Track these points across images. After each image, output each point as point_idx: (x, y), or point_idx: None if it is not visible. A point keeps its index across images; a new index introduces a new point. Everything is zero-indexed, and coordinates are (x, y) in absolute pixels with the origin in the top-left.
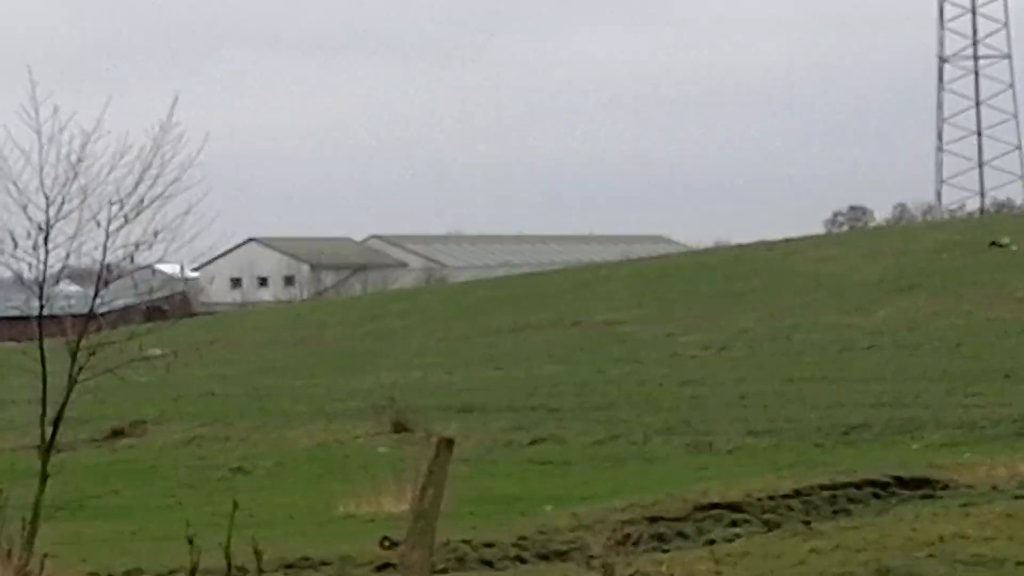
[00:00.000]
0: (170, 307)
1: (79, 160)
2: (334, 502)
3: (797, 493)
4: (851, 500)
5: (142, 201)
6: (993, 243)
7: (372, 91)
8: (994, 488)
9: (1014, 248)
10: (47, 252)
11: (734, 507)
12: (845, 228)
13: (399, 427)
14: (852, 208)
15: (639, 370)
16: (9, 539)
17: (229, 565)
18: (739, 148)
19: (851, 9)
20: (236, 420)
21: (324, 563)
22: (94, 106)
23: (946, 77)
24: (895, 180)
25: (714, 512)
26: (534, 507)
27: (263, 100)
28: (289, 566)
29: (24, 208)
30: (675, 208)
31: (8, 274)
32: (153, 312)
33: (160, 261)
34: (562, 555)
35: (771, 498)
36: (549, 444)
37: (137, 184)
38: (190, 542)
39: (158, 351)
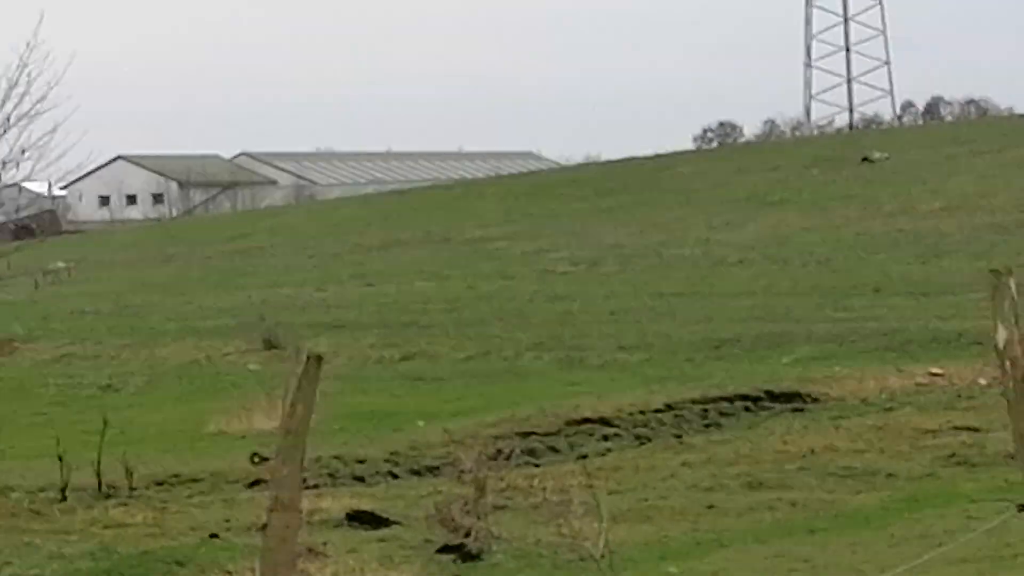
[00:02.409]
0: (38, 225)
1: None
2: (205, 419)
3: (668, 407)
4: (722, 414)
5: (8, 119)
6: (865, 159)
7: (243, 7)
8: (864, 401)
9: (887, 156)
10: None
11: (605, 421)
12: (715, 144)
13: (269, 344)
14: (721, 124)
15: (510, 286)
16: None
17: (100, 482)
18: (608, 63)
19: None
20: (106, 338)
21: (195, 479)
22: None
23: None
24: (764, 96)
25: (586, 427)
26: (406, 423)
27: (132, 18)
28: (160, 483)
29: None
30: (544, 124)
31: None
32: (21, 230)
33: (27, 179)
34: (434, 470)
35: (642, 412)
36: (420, 360)
37: (3, 102)
38: (60, 459)
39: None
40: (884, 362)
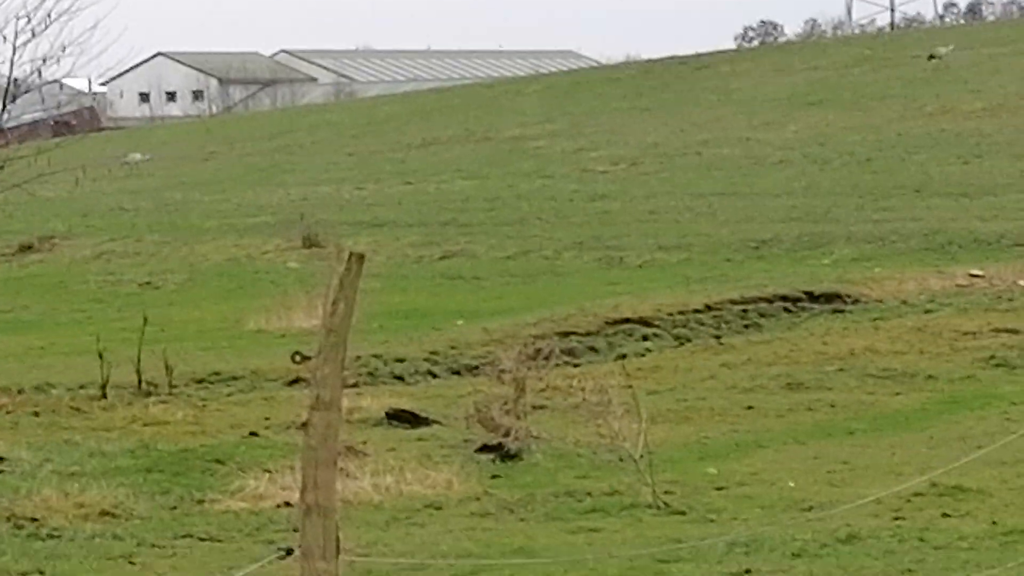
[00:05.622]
0: (78, 122)
1: None
2: (244, 317)
3: (708, 308)
4: (762, 315)
5: (49, 15)
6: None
7: None
8: (904, 302)
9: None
10: None
11: (645, 322)
12: (756, 43)
13: (309, 242)
14: (763, 23)
15: (549, 185)
16: None
17: (140, 379)
18: None
19: None
20: (145, 235)
21: (235, 377)
22: None
23: None
24: None
25: (625, 327)
26: (445, 322)
27: None
28: (200, 381)
29: None
30: (584, 23)
31: None
32: (61, 127)
33: (68, 75)
34: (473, 369)
35: (682, 313)
36: (460, 259)
37: None
38: (100, 356)
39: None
40: (924, 263)
